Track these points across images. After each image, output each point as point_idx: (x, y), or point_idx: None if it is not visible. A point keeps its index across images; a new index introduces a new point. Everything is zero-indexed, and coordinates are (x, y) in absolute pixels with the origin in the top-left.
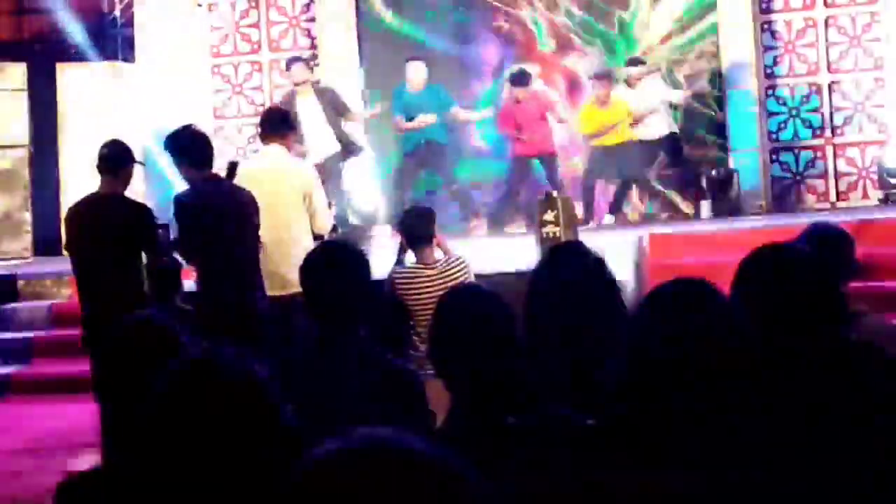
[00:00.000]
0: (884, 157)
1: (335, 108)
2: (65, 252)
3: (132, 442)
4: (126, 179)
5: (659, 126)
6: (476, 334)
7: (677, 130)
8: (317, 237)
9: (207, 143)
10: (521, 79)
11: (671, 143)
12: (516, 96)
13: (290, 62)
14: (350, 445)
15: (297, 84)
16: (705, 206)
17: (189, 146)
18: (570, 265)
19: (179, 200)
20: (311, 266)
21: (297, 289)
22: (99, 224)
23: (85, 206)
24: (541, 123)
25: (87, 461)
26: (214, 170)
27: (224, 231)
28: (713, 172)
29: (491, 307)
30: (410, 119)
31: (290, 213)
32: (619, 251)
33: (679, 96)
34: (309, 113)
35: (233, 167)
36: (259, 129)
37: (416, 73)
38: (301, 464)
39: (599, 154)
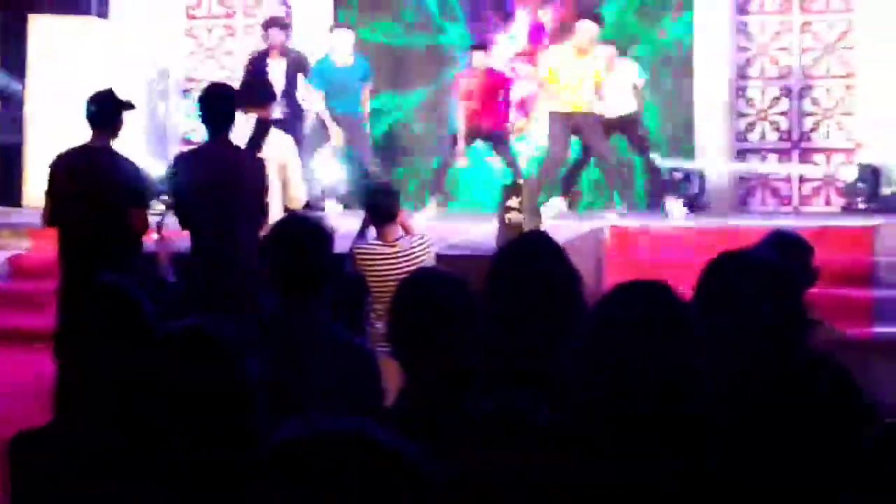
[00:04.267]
0: (851, 165)
1: (299, 72)
2: (44, 197)
3: (86, 401)
4: (116, 130)
5: (623, 105)
6: (434, 319)
7: (638, 111)
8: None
9: (224, 105)
10: (481, 44)
11: (632, 125)
12: (472, 63)
13: (267, 25)
14: (311, 433)
15: (272, 47)
16: (676, 206)
17: (204, 104)
18: (530, 256)
19: (175, 163)
20: (274, 239)
21: None
22: (93, 177)
23: (77, 158)
24: (493, 99)
25: (39, 416)
26: None
27: (214, 202)
28: (678, 170)
29: (450, 292)
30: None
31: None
32: (578, 242)
33: (642, 81)
34: (279, 77)
35: (262, 126)
36: (239, 100)
37: (344, 43)
38: (262, 449)
39: (558, 121)
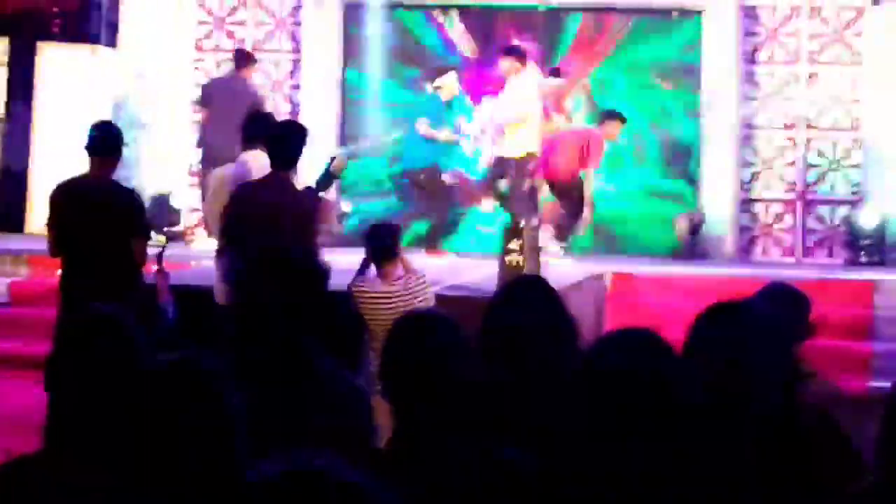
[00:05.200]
0: (856, 217)
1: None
2: (45, 229)
3: (75, 431)
4: (117, 160)
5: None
6: (424, 362)
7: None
8: None
9: (288, 140)
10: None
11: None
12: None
13: (243, 59)
14: (288, 470)
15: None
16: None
17: (268, 136)
18: (526, 302)
19: (234, 195)
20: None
21: None
22: (92, 208)
23: (79, 188)
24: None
25: (31, 444)
26: None
27: (254, 235)
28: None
29: (442, 336)
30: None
31: None
32: (579, 287)
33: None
34: None
35: (332, 168)
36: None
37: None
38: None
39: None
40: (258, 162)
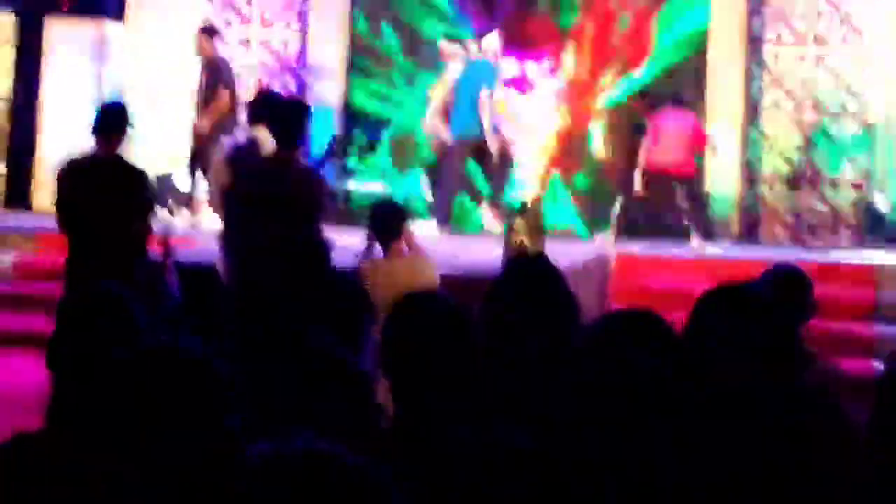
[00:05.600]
0: (872, 199)
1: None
2: (51, 206)
3: (77, 411)
4: (121, 141)
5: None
6: (424, 343)
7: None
8: None
9: (294, 121)
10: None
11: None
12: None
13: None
14: (285, 453)
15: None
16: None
17: (272, 115)
18: (528, 280)
19: (237, 173)
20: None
21: None
22: (98, 185)
23: (87, 166)
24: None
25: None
26: None
27: (257, 215)
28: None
29: (443, 317)
30: None
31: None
32: (583, 267)
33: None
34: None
35: (332, 146)
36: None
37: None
38: (237, 463)
39: None
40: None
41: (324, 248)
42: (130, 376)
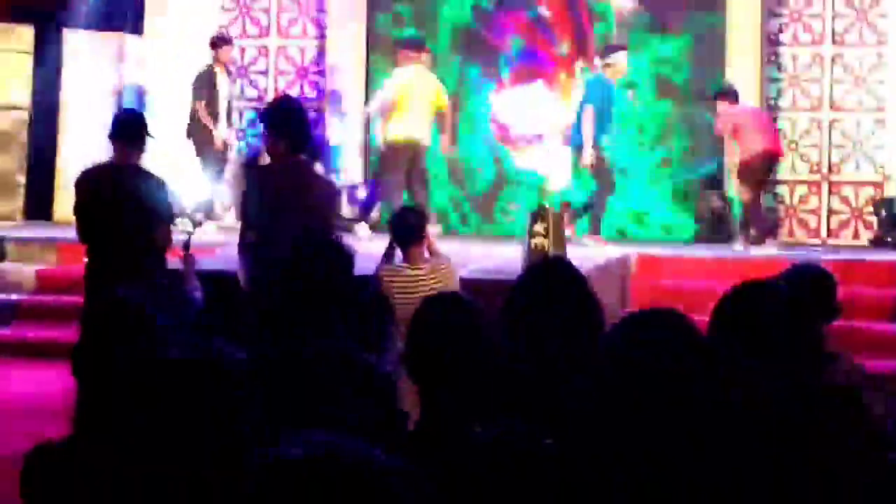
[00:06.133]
0: (886, 197)
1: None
2: (72, 216)
3: (102, 418)
4: (141, 150)
5: None
6: (448, 345)
7: None
8: None
9: (305, 124)
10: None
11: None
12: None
13: (216, 42)
14: (309, 453)
15: (218, 62)
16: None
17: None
18: (550, 283)
19: (253, 180)
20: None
21: None
22: (117, 194)
23: (105, 174)
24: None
25: (58, 430)
26: None
27: (273, 221)
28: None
29: (467, 320)
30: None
31: None
32: (604, 269)
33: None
34: (225, 92)
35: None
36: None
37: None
38: (260, 463)
39: None
40: None
41: (346, 253)
42: (152, 383)
